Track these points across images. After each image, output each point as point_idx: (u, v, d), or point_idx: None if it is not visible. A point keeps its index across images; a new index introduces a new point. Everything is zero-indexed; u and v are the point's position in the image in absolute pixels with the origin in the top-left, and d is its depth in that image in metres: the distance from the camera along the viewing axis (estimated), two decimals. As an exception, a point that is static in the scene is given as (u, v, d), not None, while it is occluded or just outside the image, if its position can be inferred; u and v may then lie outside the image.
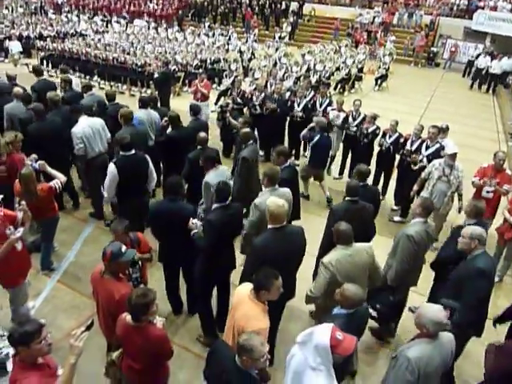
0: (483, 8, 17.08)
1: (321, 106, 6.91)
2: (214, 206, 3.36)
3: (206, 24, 18.02)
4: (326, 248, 3.42)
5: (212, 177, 3.94)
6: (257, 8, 20.32)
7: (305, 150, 7.57)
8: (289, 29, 18.54)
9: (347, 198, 3.75)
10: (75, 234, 5.06)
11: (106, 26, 17.57)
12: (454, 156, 4.77)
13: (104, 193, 4.38)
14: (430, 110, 10.97)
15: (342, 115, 6.47)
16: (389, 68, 13.09)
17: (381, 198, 5.23)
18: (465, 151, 5.64)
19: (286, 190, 3.74)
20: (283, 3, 20.20)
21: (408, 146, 5.62)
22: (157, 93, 8.86)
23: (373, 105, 8.96)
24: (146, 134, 5.26)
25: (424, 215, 3.46)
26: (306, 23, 19.96)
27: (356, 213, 3.62)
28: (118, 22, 18.34)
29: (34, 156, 4.24)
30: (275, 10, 20.01)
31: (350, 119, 6.36)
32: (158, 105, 6.14)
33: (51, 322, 3.58)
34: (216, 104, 9.49)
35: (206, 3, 21.79)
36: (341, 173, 6.88)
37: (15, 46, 13.44)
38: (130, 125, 4.86)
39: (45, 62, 12.77)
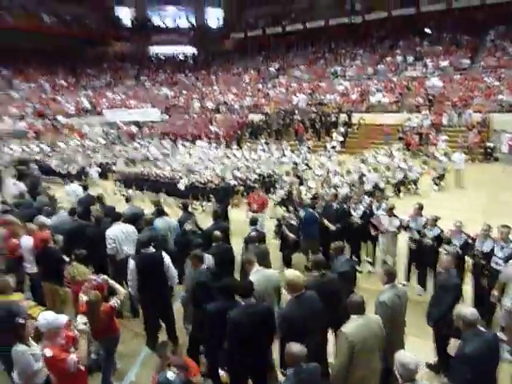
0: (536, 101, 17.10)
1: (378, 210, 6.89)
2: (242, 302, 3.49)
3: (262, 140, 19.48)
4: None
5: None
6: (308, 122, 21.79)
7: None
8: (340, 138, 19.46)
9: (315, 273, 4.12)
10: (136, 346, 5.03)
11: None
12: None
13: (129, 288, 4.78)
14: (496, 207, 10.44)
15: (395, 220, 6.35)
16: (446, 168, 13.01)
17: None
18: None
19: (272, 272, 4.38)
20: (332, 116, 21.58)
21: (479, 248, 5.30)
22: (218, 205, 9.38)
23: (433, 205, 8.72)
24: (164, 237, 5.79)
25: (390, 281, 3.84)
26: (355, 131, 20.90)
27: (324, 285, 3.97)
28: (183, 144, 20.38)
29: (103, 277, 4.45)
30: (325, 123, 21.32)
31: (412, 223, 6.20)
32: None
33: None
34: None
35: (261, 122, 23.84)
36: (407, 279, 6.52)
37: (94, 171, 15.19)
38: (150, 228, 5.58)
39: (118, 183, 14.22)
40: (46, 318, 3.29)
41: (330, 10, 29.25)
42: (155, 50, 37.54)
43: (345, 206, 7.11)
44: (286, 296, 3.73)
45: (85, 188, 8.61)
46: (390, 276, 3.86)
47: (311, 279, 4.10)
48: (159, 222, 6.06)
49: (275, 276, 4.29)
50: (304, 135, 20.54)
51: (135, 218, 6.28)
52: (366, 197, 7.46)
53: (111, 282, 4.34)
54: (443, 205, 9.80)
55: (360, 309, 3.29)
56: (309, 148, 16.79)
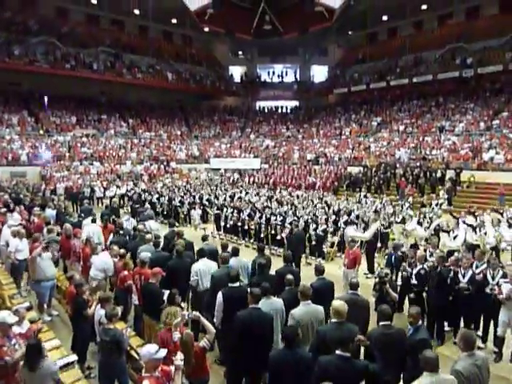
0: None
1: (493, 278, 6.14)
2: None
3: (362, 194, 19.06)
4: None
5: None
6: (411, 177, 20.86)
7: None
8: (446, 196, 18.20)
9: (381, 323, 4.14)
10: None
11: (271, 198, 20.00)
12: None
13: (214, 319, 5.01)
14: None
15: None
16: None
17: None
18: None
19: (319, 307, 4.60)
20: (439, 171, 20.40)
21: None
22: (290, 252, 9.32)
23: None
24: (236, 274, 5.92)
25: (466, 348, 3.49)
26: (464, 189, 19.42)
27: (389, 337, 3.99)
28: (280, 193, 20.82)
29: (195, 313, 4.56)
30: (430, 179, 20.20)
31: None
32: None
33: None
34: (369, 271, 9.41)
35: (360, 174, 23.48)
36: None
37: (197, 214, 16.13)
38: (225, 266, 5.94)
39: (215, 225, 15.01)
40: (148, 350, 3.51)
41: (438, 64, 28.54)
42: (261, 103, 39.94)
43: (451, 269, 6.50)
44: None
45: (170, 225, 9.60)
46: (467, 342, 3.53)
47: (375, 330, 4.15)
48: (233, 261, 6.42)
49: (321, 311, 4.60)
50: (406, 190, 19.66)
51: (214, 255, 6.98)
52: (480, 264, 6.73)
53: (203, 319, 4.39)
54: None
55: (433, 366, 3.17)
56: (410, 204, 15.93)
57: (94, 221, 9.83)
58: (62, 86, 28.61)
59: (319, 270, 5.55)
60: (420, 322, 4.28)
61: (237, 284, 5.12)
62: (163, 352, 3.52)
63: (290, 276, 5.25)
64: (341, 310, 4.02)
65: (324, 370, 3.34)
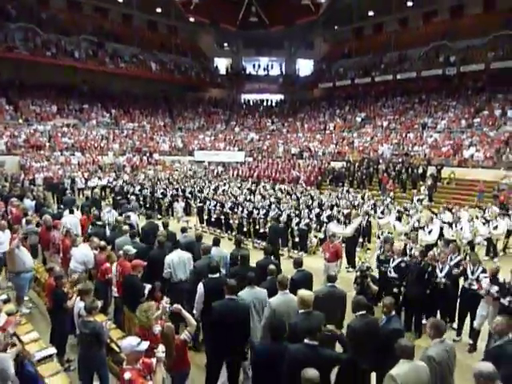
0: None
1: (473, 273, 6.24)
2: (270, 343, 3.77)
3: (345, 188, 19.22)
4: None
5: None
6: (393, 173, 21.12)
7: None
8: (426, 192, 18.51)
9: (358, 313, 4.21)
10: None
11: (254, 190, 19.97)
12: None
13: (194, 310, 5.04)
14: None
15: (495, 287, 5.71)
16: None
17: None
18: None
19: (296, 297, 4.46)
20: (420, 168, 20.71)
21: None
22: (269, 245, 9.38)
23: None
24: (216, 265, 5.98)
25: (437, 335, 3.63)
26: (445, 186, 19.77)
27: (366, 326, 4.12)
28: (263, 186, 20.84)
29: (176, 306, 4.49)
30: (412, 175, 20.50)
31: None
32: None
33: None
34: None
35: (343, 169, 23.66)
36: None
37: (180, 207, 16.01)
38: (207, 257, 5.97)
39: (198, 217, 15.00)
40: (130, 342, 3.47)
41: (422, 61, 28.85)
42: (246, 96, 39.72)
43: (429, 263, 6.63)
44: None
45: (148, 217, 9.66)
46: (438, 329, 3.67)
47: (353, 320, 4.23)
48: (214, 251, 6.44)
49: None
50: (387, 185, 19.93)
51: (191, 247, 6.96)
52: (454, 256, 6.89)
53: (184, 311, 4.37)
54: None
55: (409, 354, 3.30)
56: (392, 199, 16.16)
57: (71, 212, 9.67)
58: (42, 74, 27.87)
59: (297, 263, 5.70)
60: (393, 313, 4.39)
61: (217, 275, 5.14)
62: (145, 344, 3.49)
63: (272, 266, 5.36)
64: (307, 299, 4.12)
65: (293, 358, 3.42)
